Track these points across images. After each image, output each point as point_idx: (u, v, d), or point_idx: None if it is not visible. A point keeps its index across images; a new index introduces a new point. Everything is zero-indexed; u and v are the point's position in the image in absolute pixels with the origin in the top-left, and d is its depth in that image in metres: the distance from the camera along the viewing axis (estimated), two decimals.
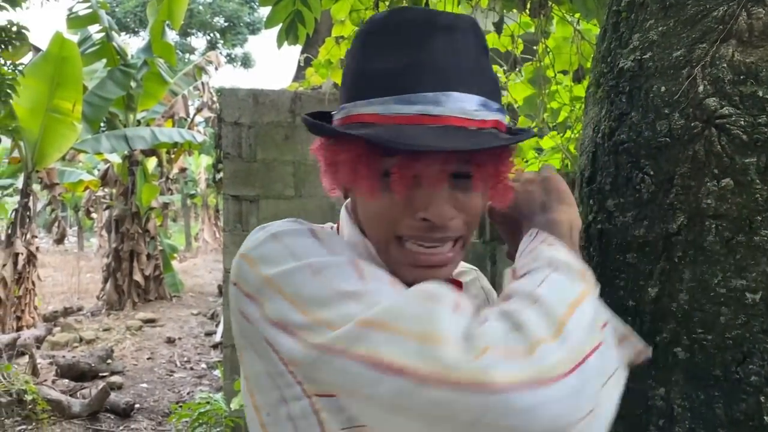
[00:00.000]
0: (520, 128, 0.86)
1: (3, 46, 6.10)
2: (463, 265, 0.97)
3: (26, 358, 6.01)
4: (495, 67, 2.60)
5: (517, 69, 2.42)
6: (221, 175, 5.55)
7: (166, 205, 12.38)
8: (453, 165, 0.73)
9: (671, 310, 0.81)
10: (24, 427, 4.81)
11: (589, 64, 2.39)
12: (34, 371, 5.73)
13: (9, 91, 5.68)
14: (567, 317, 0.62)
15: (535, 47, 2.49)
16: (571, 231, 0.76)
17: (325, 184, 0.84)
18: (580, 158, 1.02)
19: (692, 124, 0.81)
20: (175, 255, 13.98)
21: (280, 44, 2.14)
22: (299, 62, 4.66)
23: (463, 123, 0.72)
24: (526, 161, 2.54)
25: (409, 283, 0.71)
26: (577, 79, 2.31)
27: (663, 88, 0.85)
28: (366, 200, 0.77)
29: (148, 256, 10.38)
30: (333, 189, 0.84)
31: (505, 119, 0.78)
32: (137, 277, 10.15)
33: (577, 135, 2.48)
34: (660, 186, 0.84)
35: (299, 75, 5.71)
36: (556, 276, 0.67)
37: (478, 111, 0.73)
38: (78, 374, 6.14)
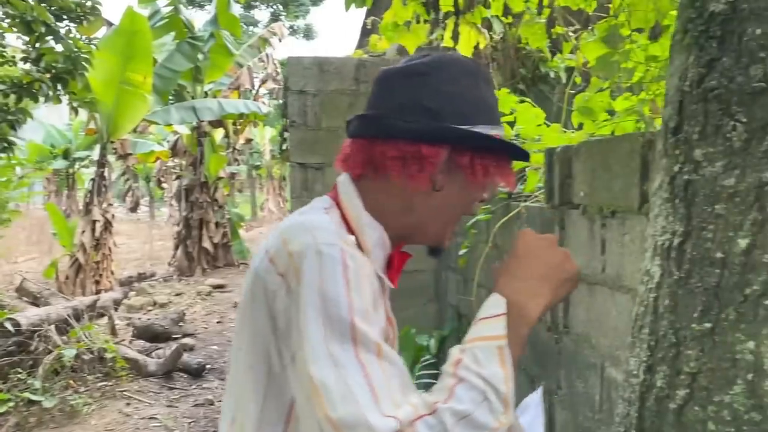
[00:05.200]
0: None
1: (78, 21, 6.34)
2: None
3: (106, 320, 6.34)
4: (560, 27, 2.52)
5: (590, 27, 2.34)
6: (287, 144, 5.62)
7: (233, 175, 12.69)
8: None
9: (763, 261, 0.77)
10: (104, 383, 5.09)
11: (666, 21, 2.29)
12: (113, 331, 6.03)
13: (85, 64, 5.90)
14: None
15: (607, 4, 2.40)
16: (519, 313, 0.92)
17: (415, 180, 1.00)
18: (665, 109, 0.98)
19: None
20: (242, 224, 14.35)
21: (347, 7, 2.15)
22: (365, 24, 4.67)
23: None
24: (597, 123, 2.47)
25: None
26: (654, 37, 2.22)
27: (758, 31, 0.81)
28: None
29: (217, 225, 10.70)
30: (416, 185, 1.01)
31: None
32: (206, 244, 10.49)
33: (652, 96, 2.39)
34: (753, 134, 0.80)
35: (363, 42, 5.69)
36: (483, 410, 0.81)
37: None
38: (152, 336, 6.43)
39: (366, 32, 5.34)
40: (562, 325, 2.29)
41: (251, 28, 24.76)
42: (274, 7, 25.45)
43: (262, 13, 26.17)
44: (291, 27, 25.64)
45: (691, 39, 0.91)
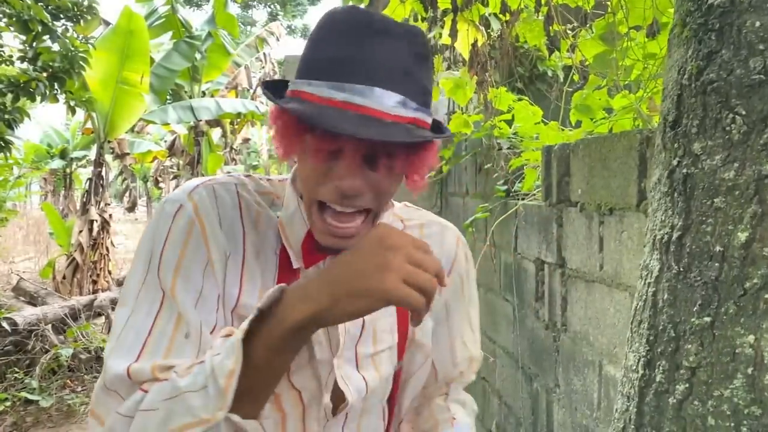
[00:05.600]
0: (443, 128, 0.95)
1: (75, 21, 6.32)
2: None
3: (102, 319, 6.32)
4: (557, 25, 2.52)
5: (588, 25, 2.33)
6: None
7: None
8: (366, 148, 0.84)
9: (763, 255, 0.77)
10: None
11: (664, 19, 2.29)
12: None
13: (82, 63, 5.88)
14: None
15: (606, 2, 2.40)
16: (282, 311, 0.81)
17: (280, 147, 0.93)
18: (663, 103, 0.98)
19: None
20: None
21: (344, 4, 2.14)
22: None
23: (381, 115, 0.82)
24: (595, 121, 2.46)
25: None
26: (652, 34, 2.21)
27: (758, 23, 0.80)
28: (299, 164, 0.91)
29: None
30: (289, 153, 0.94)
31: (430, 119, 0.89)
32: None
33: (649, 94, 2.39)
34: (753, 126, 0.79)
35: None
36: (197, 396, 0.78)
37: (396, 108, 0.83)
38: None
39: None
40: (560, 323, 2.29)
41: (249, 27, 24.75)
42: (272, 6, 25.44)
43: (259, 13, 26.20)
44: (289, 26, 25.63)
45: (689, 32, 0.91)
